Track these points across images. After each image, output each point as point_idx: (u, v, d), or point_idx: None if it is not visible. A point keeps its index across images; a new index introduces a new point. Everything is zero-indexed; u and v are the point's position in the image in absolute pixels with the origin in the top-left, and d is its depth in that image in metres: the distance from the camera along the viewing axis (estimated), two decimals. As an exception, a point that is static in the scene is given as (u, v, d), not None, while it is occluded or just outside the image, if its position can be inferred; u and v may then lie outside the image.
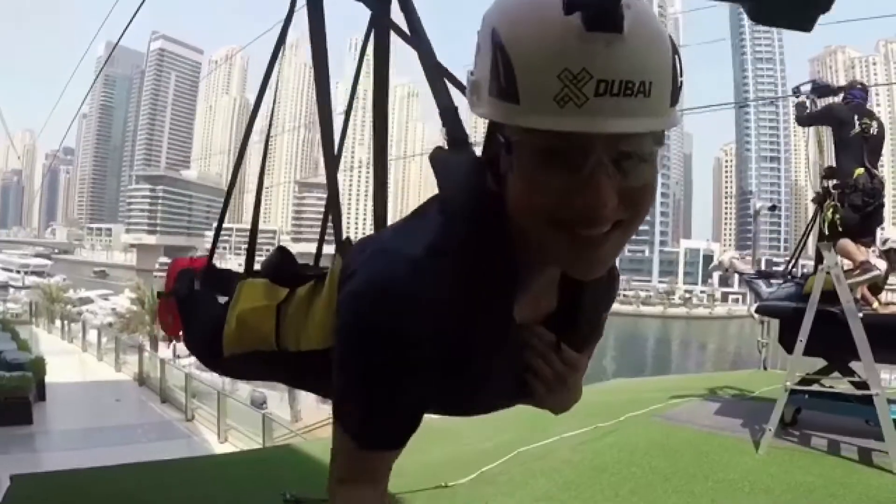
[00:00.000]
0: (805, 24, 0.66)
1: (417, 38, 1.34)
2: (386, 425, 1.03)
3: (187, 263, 2.00)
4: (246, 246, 1.91)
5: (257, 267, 1.75)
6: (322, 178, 1.68)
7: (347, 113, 2.04)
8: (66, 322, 27.94)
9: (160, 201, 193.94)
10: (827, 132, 5.86)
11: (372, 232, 1.43)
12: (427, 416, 1.15)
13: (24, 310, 39.33)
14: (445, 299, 0.94)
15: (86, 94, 14.97)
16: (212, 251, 2.03)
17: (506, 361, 1.10)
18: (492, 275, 0.97)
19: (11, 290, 76.71)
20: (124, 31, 6.80)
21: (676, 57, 0.83)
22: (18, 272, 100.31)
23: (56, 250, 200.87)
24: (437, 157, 1.08)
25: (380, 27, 1.67)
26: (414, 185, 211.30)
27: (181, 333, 1.96)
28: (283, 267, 1.66)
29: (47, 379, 15.55)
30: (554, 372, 1.14)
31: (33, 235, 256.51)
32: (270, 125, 2.13)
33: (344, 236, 1.52)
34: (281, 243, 1.81)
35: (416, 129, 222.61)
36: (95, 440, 12.49)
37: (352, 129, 2.06)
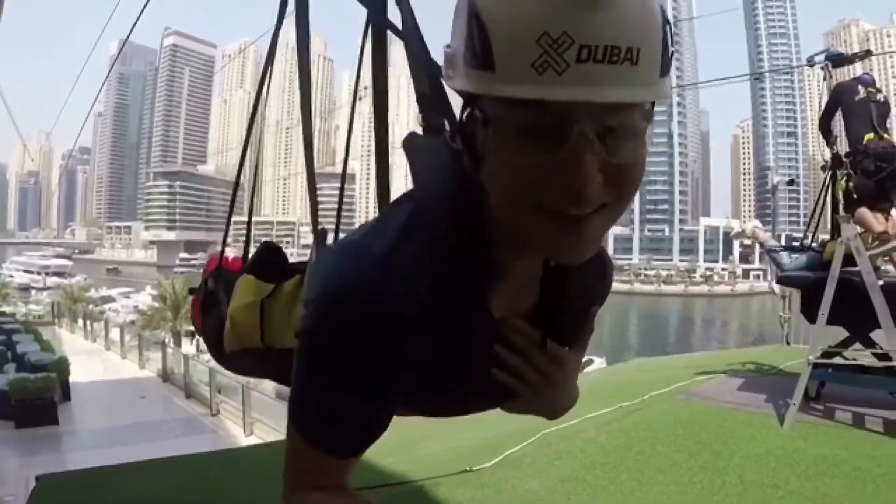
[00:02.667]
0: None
1: (410, 33, 1.28)
2: (343, 431, 0.96)
3: (219, 263, 1.93)
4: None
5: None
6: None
7: (352, 111, 2.01)
8: (88, 321, 28.16)
9: (178, 197, 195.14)
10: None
11: None
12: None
13: (47, 311, 39.73)
14: (413, 300, 0.87)
15: (97, 93, 15.02)
16: (223, 248, 1.96)
17: (483, 360, 1.01)
18: (465, 268, 0.90)
19: (33, 291, 77.42)
20: (132, 27, 6.80)
21: (667, 26, 0.76)
22: (39, 273, 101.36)
23: (76, 250, 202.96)
24: (410, 143, 1.02)
25: (376, 25, 1.55)
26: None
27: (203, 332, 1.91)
28: (266, 262, 1.65)
29: (71, 379, 15.73)
30: (537, 370, 1.06)
31: (53, 236, 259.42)
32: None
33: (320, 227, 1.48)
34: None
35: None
36: (121, 438, 12.58)
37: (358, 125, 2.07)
